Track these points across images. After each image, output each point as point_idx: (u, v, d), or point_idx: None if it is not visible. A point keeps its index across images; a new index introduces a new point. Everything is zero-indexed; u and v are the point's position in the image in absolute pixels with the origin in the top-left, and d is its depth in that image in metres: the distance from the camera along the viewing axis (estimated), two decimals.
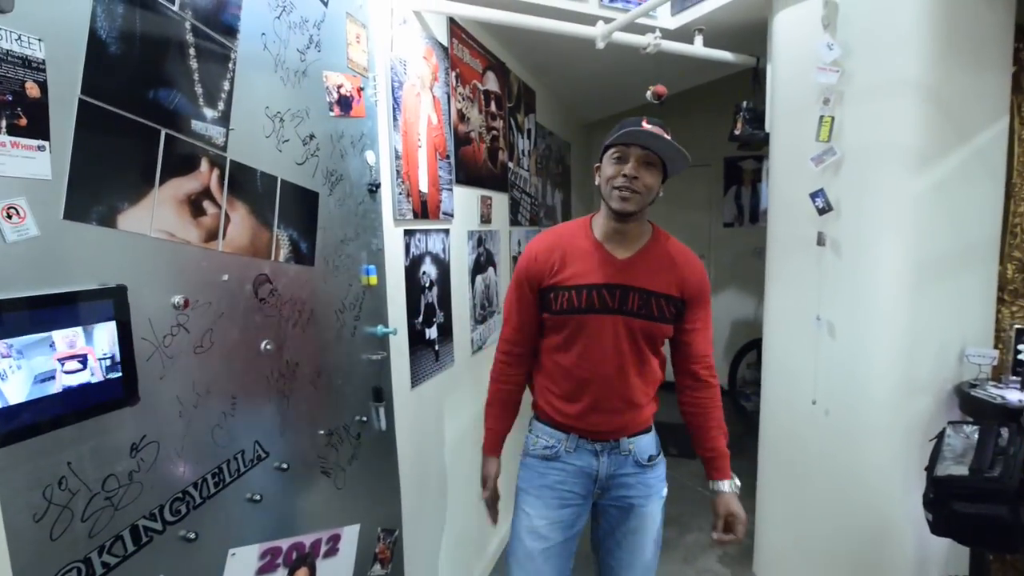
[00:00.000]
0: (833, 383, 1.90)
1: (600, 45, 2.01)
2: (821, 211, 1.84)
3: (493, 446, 1.42)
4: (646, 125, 1.17)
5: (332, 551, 1.31)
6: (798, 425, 2.03)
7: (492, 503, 1.44)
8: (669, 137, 1.18)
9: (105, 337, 0.80)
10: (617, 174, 1.19)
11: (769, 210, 2.12)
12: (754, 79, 2.39)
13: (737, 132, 2.36)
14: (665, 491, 1.38)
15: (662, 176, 1.23)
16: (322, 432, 1.29)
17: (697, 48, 2.25)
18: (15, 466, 0.71)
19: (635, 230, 1.26)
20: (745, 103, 2.35)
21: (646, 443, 1.34)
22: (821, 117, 1.81)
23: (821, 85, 1.80)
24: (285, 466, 1.17)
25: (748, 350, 4.00)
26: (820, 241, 1.86)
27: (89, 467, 0.79)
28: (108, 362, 0.81)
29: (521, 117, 2.72)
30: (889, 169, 1.74)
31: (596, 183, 1.28)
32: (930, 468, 1.60)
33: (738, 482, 1.34)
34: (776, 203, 2.08)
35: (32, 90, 0.70)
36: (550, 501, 1.32)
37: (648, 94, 2.15)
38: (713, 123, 3.78)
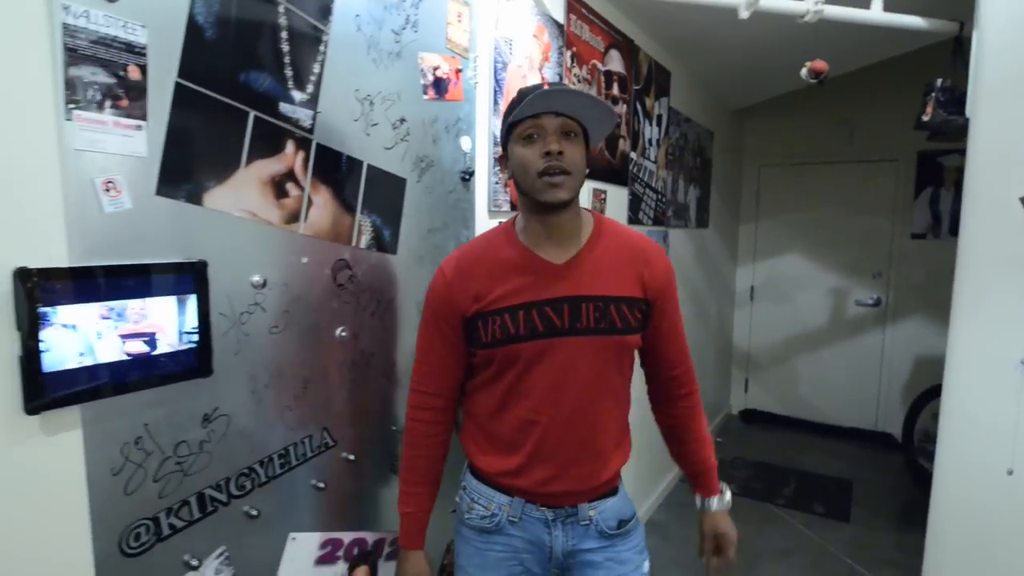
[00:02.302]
0: None
1: (744, 15, 1.86)
2: None
3: (413, 536, 1.13)
4: (548, 87, 0.97)
5: (396, 554, 1.37)
6: (987, 500, 1.69)
7: None
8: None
9: (186, 309, 0.92)
10: (536, 156, 0.98)
11: (963, 218, 1.80)
12: (955, 51, 2.05)
13: (926, 118, 2.04)
14: (647, 566, 1.15)
15: (585, 146, 1.04)
16: (395, 428, 1.36)
17: (876, 13, 1.99)
18: (99, 420, 0.83)
19: (570, 224, 1.05)
20: (940, 81, 2.02)
21: (613, 507, 1.11)
22: None
23: None
24: (352, 457, 1.24)
25: (933, 396, 3.44)
26: None
27: (164, 431, 0.91)
28: (186, 333, 0.92)
29: (650, 101, 2.62)
30: None
31: (505, 178, 1.10)
32: None
33: (728, 497, 1.22)
34: (974, 209, 1.76)
35: (134, 73, 0.83)
36: None
37: (803, 72, 1.95)
38: (901, 108, 3.31)
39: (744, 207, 4.50)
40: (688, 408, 1.19)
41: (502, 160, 1.09)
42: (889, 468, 3.65)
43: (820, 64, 1.82)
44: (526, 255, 1.05)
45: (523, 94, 1.00)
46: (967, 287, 1.78)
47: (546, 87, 0.97)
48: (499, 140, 1.05)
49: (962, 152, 3.80)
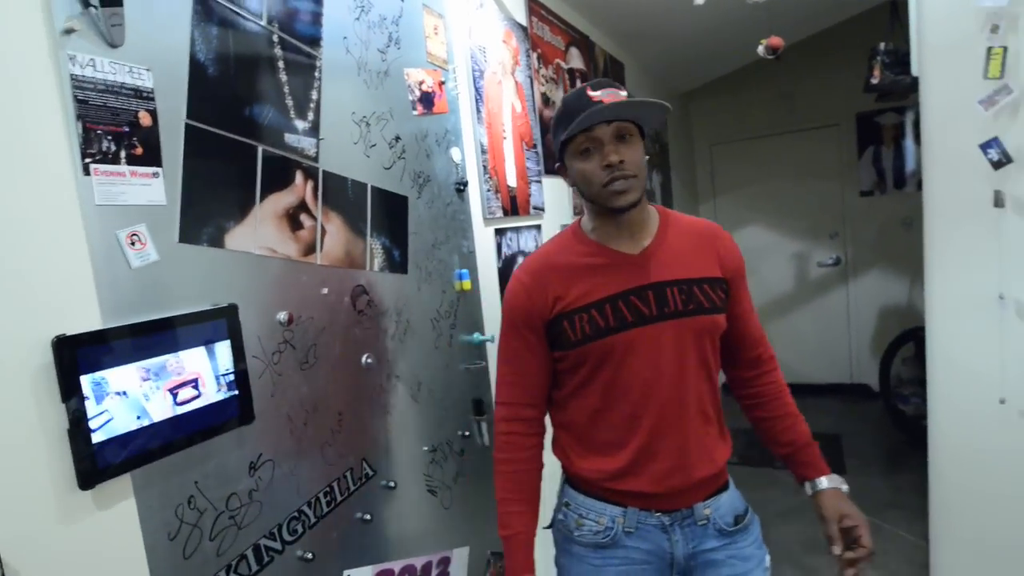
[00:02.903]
0: None
1: (699, 1, 1.92)
2: (997, 164, 1.63)
3: (524, 560, 1.06)
4: (594, 94, 0.98)
5: (443, 575, 1.36)
6: (982, 433, 1.80)
7: None
8: (625, 93, 1.00)
9: (222, 356, 0.89)
10: (597, 169, 0.98)
11: (924, 171, 1.91)
12: (892, 15, 2.18)
13: (875, 80, 2.16)
14: (768, 560, 1.12)
15: (642, 141, 1.04)
16: (426, 448, 1.34)
17: None
18: (150, 485, 0.80)
19: (640, 216, 1.05)
20: (883, 45, 2.14)
21: (727, 502, 1.08)
22: (989, 49, 1.61)
23: (987, 9, 1.60)
24: (392, 484, 1.22)
25: (902, 342, 3.63)
26: (998, 202, 1.65)
27: (213, 486, 0.87)
28: (225, 381, 0.89)
29: None
30: None
31: (570, 188, 1.09)
32: None
33: (837, 476, 1.09)
34: (933, 161, 1.87)
35: (145, 119, 0.79)
36: None
37: (760, 49, 2.03)
38: (839, 74, 3.50)
39: (701, 186, 4.64)
40: (775, 383, 1.16)
41: (561, 171, 1.07)
42: (870, 417, 3.83)
43: (776, 40, 1.90)
44: (601, 251, 1.05)
45: (570, 109, 0.99)
46: (936, 234, 1.89)
47: (594, 99, 0.96)
48: (555, 154, 1.06)
49: (897, 110, 4.01)
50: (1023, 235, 1.64)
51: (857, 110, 3.96)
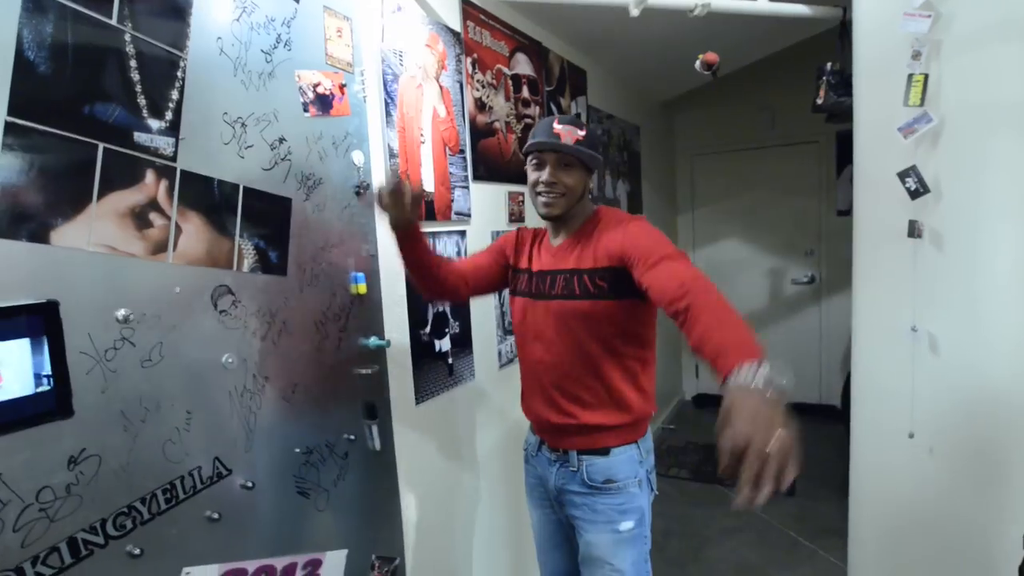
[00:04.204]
0: (938, 411, 1.65)
1: (634, 12, 1.91)
2: (914, 194, 1.61)
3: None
4: (557, 126, 1.31)
5: None
6: (892, 463, 1.79)
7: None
8: (583, 133, 1.32)
9: (36, 352, 0.90)
10: (536, 181, 1.35)
11: (855, 196, 1.89)
12: (841, 35, 2.15)
13: (820, 101, 2.14)
14: (626, 526, 1.34)
15: (586, 170, 1.36)
16: (298, 450, 1.35)
17: (762, 4, 2.07)
18: None
19: (570, 222, 1.40)
20: (829, 65, 2.12)
21: (603, 465, 1.35)
22: (910, 76, 1.58)
23: (911, 35, 1.57)
24: (251, 484, 1.23)
25: None
26: (913, 231, 1.63)
27: (22, 478, 0.89)
28: (37, 376, 0.90)
29: (566, 101, 2.66)
30: (1004, 135, 1.48)
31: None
32: None
33: (767, 372, 0.81)
34: (861, 186, 1.85)
35: None
36: (530, 499, 1.56)
37: (697, 64, 2.02)
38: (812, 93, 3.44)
39: (681, 197, 4.61)
40: (701, 303, 0.99)
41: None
42: (832, 439, 3.79)
43: (711, 56, 1.88)
44: (543, 236, 1.48)
45: (537, 130, 1.36)
46: (861, 260, 1.87)
47: (555, 131, 1.31)
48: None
49: None
50: (937, 267, 1.62)
51: (837, 128, 3.91)
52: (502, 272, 1.53)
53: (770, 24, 2.20)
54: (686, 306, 1.00)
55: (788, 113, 4.06)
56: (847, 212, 4.05)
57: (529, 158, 1.37)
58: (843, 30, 2.15)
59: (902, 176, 1.61)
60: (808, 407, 4.20)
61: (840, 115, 2.19)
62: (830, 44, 2.97)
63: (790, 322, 4.28)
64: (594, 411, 1.34)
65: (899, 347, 1.70)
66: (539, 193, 1.35)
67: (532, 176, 1.36)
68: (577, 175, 1.34)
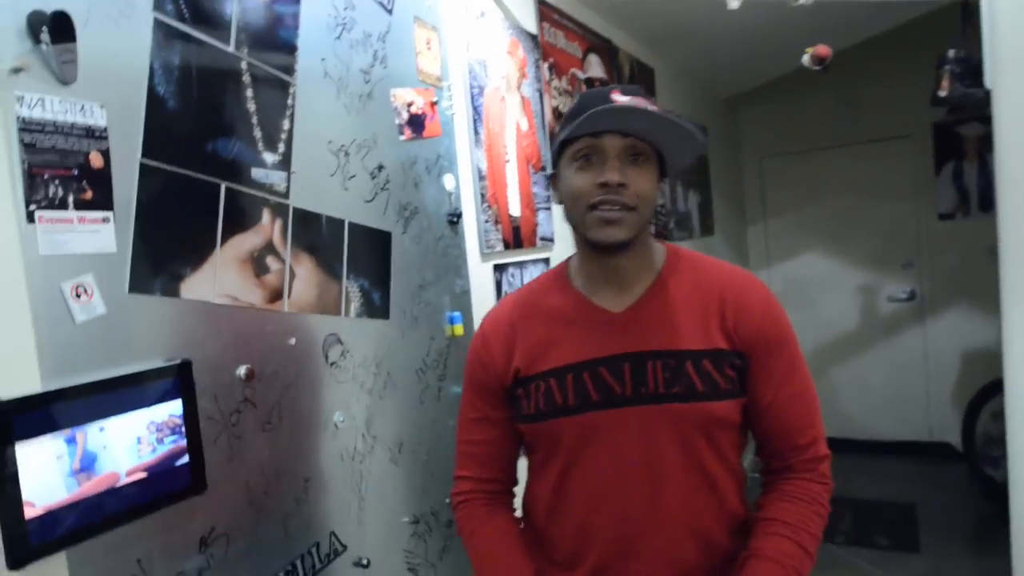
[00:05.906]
0: None
1: (734, 5, 1.98)
2: None
3: None
4: (619, 98, 0.88)
5: None
6: None
7: None
8: (656, 108, 0.89)
9: (173, 419, 0.93)
10: (590, 186, 0.89)
11: (998, 194, 1.92)
12: (964, 18, 2.20)
13: (943, 93, 2.18)
14: None
15: (659, 173, 0.95)
16: (407, 520, 1.37)
17: None
18: (87, 564, 0.84)
19: (634, 265, 0.96)
20: (952, 52, 2.17)
21: None
22: None
23: None
24: (365, 562, 1.25)
25: (991, 394, 3.56)
26: None
27: (158, 563, 0.92)
28: (175, 446, 0.94)
29: None
30: None
31: (557, 202, 1.04)
32: None
33: None
34: (1008, 184, 1.88)
35: (96, 160, 0.86)
36: None
37: (805, 59, 2.08)
38: (912, 77, 3.50)
39: (749, 206, 4.66)
40: (797, 495, 0.94)
41: (554, 180, 1.01)
42: (953, 483, 3.75)
43: (823, 49, 1.94)
44: (578, 302, 0.97)
45: (583, 106, 0.90)
46: (1013, 270, 1.88)
47: (614, 100, 0.88)
48: (551, 158, 0.98)
49: (982, 120, 4.01)
50: None
51: (934, 119, 3.96)
52: (512, 424, 1.02)
53: (872, 9, 2.27)
54: (808, 481, 0.95)
55: (873, 104, 4.11)
56: (951, 216, 4.08)
57: (570, 151, 0.92)
58: (964, 11, 2.21)
59: None
60: (917, 445, 4.16)
61: (967, 108, 2.23)
62: (926, 26, 3.04)
63: (888, 347, 4.26)
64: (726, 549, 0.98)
65: None
66: (596, 205, 0.89)
67: (578, 181, 0.91)
68: (652, 176, 0.92)
